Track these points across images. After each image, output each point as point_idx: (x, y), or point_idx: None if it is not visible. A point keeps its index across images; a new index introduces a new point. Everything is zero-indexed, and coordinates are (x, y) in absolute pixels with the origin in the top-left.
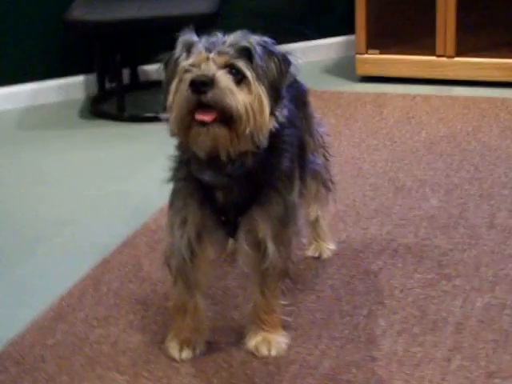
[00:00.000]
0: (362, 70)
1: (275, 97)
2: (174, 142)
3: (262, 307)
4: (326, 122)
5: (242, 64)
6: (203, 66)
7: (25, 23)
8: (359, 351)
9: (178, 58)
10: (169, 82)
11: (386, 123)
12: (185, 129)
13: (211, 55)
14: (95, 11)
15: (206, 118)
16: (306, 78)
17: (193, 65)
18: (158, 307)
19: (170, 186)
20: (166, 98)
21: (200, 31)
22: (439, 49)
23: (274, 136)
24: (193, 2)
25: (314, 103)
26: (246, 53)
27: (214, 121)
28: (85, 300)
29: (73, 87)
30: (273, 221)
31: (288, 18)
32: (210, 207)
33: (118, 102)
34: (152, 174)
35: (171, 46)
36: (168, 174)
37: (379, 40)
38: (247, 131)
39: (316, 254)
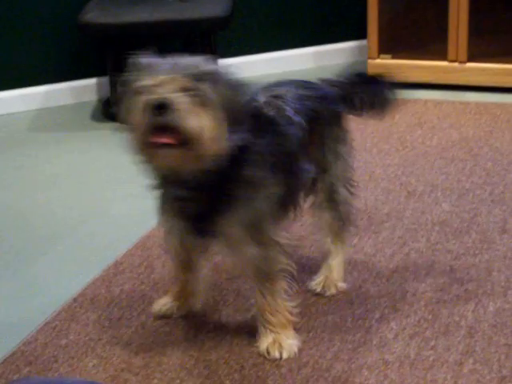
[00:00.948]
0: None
1: (232, 120)
2: None
3: (264, 307)
4: None
5: (199, 88)
6: (162, 89)
7: (38, 26)
8: (371, 354)
9: (138, 78)
10: (128, 99)
11: (398, 128)
12: (144, 149)
13: (171, 77)
14: (108, 14)
15: (165, 140)
16: None
17: (153, 86)
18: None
19: None
20: (124, 115)
21: (213, 34)
22: (451, 54)
23: (239, 149)
24: (206, 6)
25: None
26: (205, 77)
27: (171, 143)
28: (97, 301)
29: (85, 90)
30: (242, 226)
31: (300, 23)
32: (185, 217)
33: None
34: None
35: (184, 50)
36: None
37: (391, 45)
38: (204, 152)
39: (318, 290)
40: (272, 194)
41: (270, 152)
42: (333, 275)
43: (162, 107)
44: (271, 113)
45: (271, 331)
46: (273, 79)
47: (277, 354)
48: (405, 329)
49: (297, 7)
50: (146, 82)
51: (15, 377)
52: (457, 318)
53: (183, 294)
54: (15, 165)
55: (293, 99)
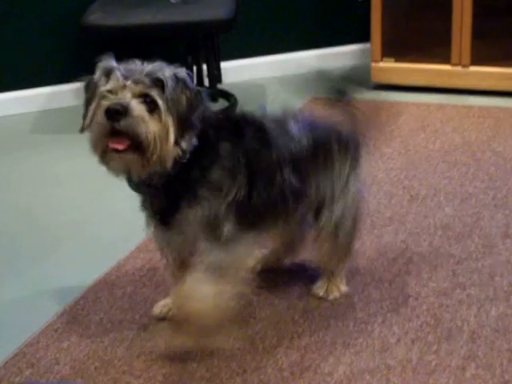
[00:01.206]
0: (377, 78)
1: (183, 127)
2: None
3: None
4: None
5: (155, 94)
6: (119, 94)
7: (41, 27)
8: (374, 358)
9: (97, 83)
10: (88, 104)
11: (401, 132)
12: (100, 152)
13: (127, 83)
14: (112, 16)
15: (119, 146)
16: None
17: (110, 91)
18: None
19: None
20: (84, 119)
21: (216, 36)
22: (454, 58)
23: (206, 150)
24: (209, 8)
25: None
26: (160, 83)
27: (126, 148)
28: (100, 303)
29: None
30: (197, 223)
31: (303, 26)
32: (151, 213)
33: None
34: None
35: (187, 52)
36: None
37: (394, 48)
38: (155, 157)
39: (321, 294)
40: (230, 196)
41: (237, 154)
42: (335, 279)
43: (115, 113)
44: (271, 125)
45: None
46: (275, 82)
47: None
48: (407, 333)
49: (300, 10)
50: (103, 87)
51: (17, 379)
52: (459, 323)
53: None
54: (17, 166)
55: (305, 121)
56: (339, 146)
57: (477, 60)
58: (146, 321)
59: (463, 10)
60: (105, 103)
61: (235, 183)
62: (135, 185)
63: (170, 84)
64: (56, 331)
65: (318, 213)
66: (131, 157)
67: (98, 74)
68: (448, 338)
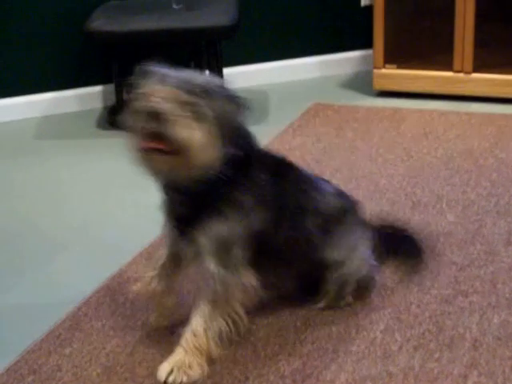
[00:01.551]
0: (380, 85)
1: (224, 134)
2: None
3: (192, 327)
4: (342, 136)
5: (194, 100)
6: (158, 99)
7: (44, 33)
8: (376, 366)
9: (137, 87)
10: (130, 104)
11: (403, 138)
12: (139, 154)
13: (166, 88)
14: (114, 22)
15: (153, 146)
16: (323, 92)
17: (149, 94)
18: (174, 318)
19: None
20: (126, 119)
21: (219, 43)
22: (457, 64)
23: (245, 175)
24: (212, 15)
25: (330, 117)
26: (199, 90)
27: (162, 150)
28: (102, 310)
29: (91, 97)
30: (212, 238)
31: (305, 32)
32: (173, 218)
33: None
34: None
35: (190, 58)
36: None
37: (397, 55)
38: (197, 162)
39: (327, 302)
40: (250, 222)
41: (272, 190)
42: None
43: (154, 115)
44: (310, 178)
45: (184, 351)
46: (278, 88)
47: (175, 378)
48: (409, 340)
49: (303, 16)
50: (144, 90)
51: None
52: (461, 330)
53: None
54: (20, 171)
55: (331, 185)
56: (354, 213)
57: (479, 67)
58: (148, 328)
59: (466, 17)
60: (144, 105)
61: (260, 213)
62: (165, 187)
63: (211, 90)
64: (58, 338)
65: (323, 273)
66: (167, 158)
67: (139, 78)
68: (450, 346)
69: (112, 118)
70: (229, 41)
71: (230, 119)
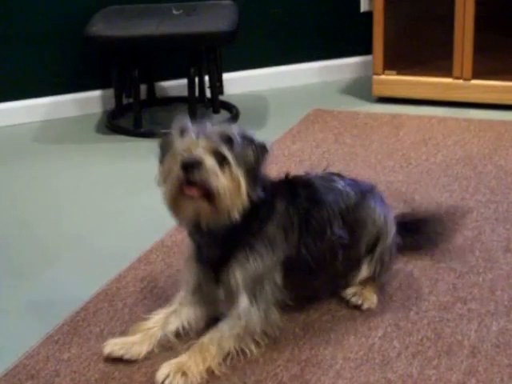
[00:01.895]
0: (379, 91)
1: (251, 179)
2: None
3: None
4: (341, 142)
5: (224, 150)
6: (193, 150)
7: (43, 38)
8: (374, 373)
9: (172, 140)
10: (163, 160)
11: (402, 144)
12: (174, 201)
13: (200, 141)
14: (114, 27)
15: (193, 193)
16: (322, 98)
17: (184, 148)
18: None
19: None
20: (160, 173)
21: (219, 48)
22: (456, 71)
23: (264, 205)
24: (212, 20)
25: (330, 123)
26: (229, 140)
27: (199, 196)
28: (100, 315)
29: (90, 102)
30: (247, 275)
31: (305, 38)
32: (203, 263)
33: (134, 117)
34: None
35: (189, 63)
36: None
37: (396, 61)
38: (225, 207)
39: (355, 301)
40: (281, 253)
41: (292, 212)
42: (371, 286)
43: (190, 166)
44: (320, 183)
45: (188, 356)
46: (277, 94)
47: (171, 382)
48: (407, 347)
49: (302, 22)
50: (178, 144)
51: None
52: (460, 338)
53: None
54: (19, 176)
55: (349, 179)
56: (373, 192)
57: (478, 73)
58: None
59: (465, 24)
60: (180, 158)
61: (288, 240)
62: (195, 233)
63: (237, 140)
64: (56, 343)
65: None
66: (203, 204)
67: (173, 133)
68: (448, 353)
69: (111, 122)
70: (228, 46)
71: (255, 164)
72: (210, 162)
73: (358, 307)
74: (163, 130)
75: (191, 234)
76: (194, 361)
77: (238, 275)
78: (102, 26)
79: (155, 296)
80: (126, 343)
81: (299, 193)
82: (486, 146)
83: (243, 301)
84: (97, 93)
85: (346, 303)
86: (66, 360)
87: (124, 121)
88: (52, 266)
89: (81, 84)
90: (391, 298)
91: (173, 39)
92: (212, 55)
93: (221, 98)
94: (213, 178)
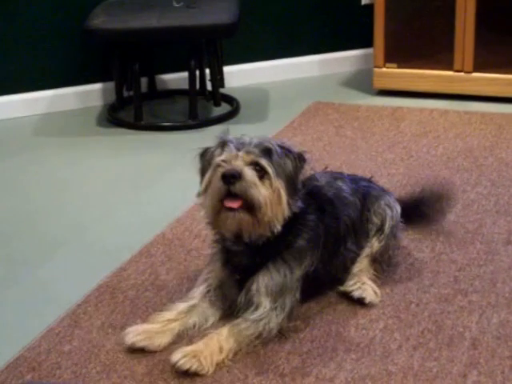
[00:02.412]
0: (380, 84)
1: (291, 189)
2: (191, 152)
3: (215, 336)
4: (342, 135)
5: (264, 162)
6: (233, 162)
7: (44, 31)
8: (375, 365)
9: (213, 153)
10: (204, 172)
11: (403, 137)
12: (215, 213)
13: (240, 153)
14: (115, 20)
15: (234, 205)
16: (323, 91)
17: (225, 160)
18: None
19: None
20: (201, 186)
21: (220, 41)
22: (457, 64)
23: (297, 218)
24: (213, 13)
25: (330, 116)
26: (268, 152)
27: (240, 208)
28: (101, 307)
29: (91, 95)
30: (272, 283)
31: (306, 31)
32: (230, 267)
33: (135, 110)
34: (169, 182)
35: (190, 56)
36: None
37: (397, 54)
38: (266, 218)
39: (357, 295)
40: (308, 266)
41: (320, 229)
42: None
43: (234, 177)
44: (330, 193)
45: (205, 344)
46: (278, 86)
47: (189, 364)
48: (408, 339)
49: (303, 15)
50: (219, 157)
51: (18, 383)
52: (461, 329)
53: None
54: (20, 169)
55: (350, 180)
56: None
57: (479, 66)
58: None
59: (466, 17)
60: (221, 170)
61: (312, 257)
62: (233, 243)
63: (276, 151)
64: (57, 335)
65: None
66: (244, 216)
67: (214, 146)
68: (449, 345)
69: (112, 115)
70: (229, 39)
71: (294, 174)
72: (249, 173)
73: (360, 301)
74: (164, 123)
75: (222, 241)
76: (210, 351)
77: (262, 282)
78: (103, 19)
79: (156, 288)
80: (148, 332)
81: (325, 209)
82: (486, 138)
83: (265, 305)
84: (97, 86)
85: (348, 296)
86: (67, 352)
87: (125, 114)
88: (53, 259)
89: (81, 77)
90: (392, 291)
91: (173, 32)
92: (213, 48)
93: (222, 90)
94: (253, 189)
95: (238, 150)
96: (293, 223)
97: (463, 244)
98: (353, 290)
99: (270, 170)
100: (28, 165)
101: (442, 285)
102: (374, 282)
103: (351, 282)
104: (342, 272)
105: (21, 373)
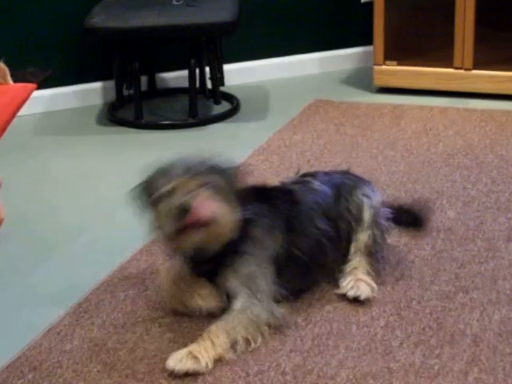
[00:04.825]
0: (380, 81)
1: (237, 198)
2: (190, 149)
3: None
4: (342, 133)
5: (209, 181)
6: (184, 189)
7: (43, 29)
8: (376, 362)
9: (155, 184)
10: (151, 206)
11: (404, 135)
12: (172, 241)
13: (184, 180)
14: (114, 18)
15: (190, 231)
16: (323, 88)
17: (173, 188)
18: (174, 314)
19: None
20: (152, 222)
21: (219, 39)
22: (457, 61)
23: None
24: (213, 11)
25: (331, 114)
26: (211, 171)
27: (195, 229)
28: (102, 306)
29: (91, 93)
30: (240, 275)
31: (306, 28)
32: (198, 274)
33: (135, 108)
34: None
35: (190, 54)
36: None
37: (397, 51)
38: (221, 231)
39: (352, 294)
40: (270, 251)
41: (276, 216)
42: (365, 276)
43: (185, 211)
44: (293, 187)
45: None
46: (278, 84)
47: (186, 365)
48: (410, 337)
49: (303, 13)
50: (168, 185)
51: (19, 382)
52: (462, 327)
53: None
54: (18, 168)
55: (322, 174)
56: (351, 182)
57: (479, 63)
58: (148, 324)
59: (466, 14)
60: (172, 203)
61: (274, 240)
62: (194, 257)
63: (219, 169)
64: (58, 334)
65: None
66: (202, 235)
67: (156, 175)
68: (451, 342)
69: (112, 114)
70: (229, 37)
71: (235, 186)
72: (200, 196)
73: (356, 299)
74: (164, 122)
75: (189, 257)
76: (203, 347)
77: (232, 279)
78: (103, 18)
79: (157, 287)
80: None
81: (278, 197)
82: (487, 135)
83: (242, 296)
84: (97, 84)
85: (344, 297)
86: (68, 351)
87: (125, 112)
88: (54, 257)
89: (81, 76)
90: (393, 288)
91: (173, 30)
92: (213, 46)
93: (222, 89)
94: (206, 210)
95: (180, 176)
96: (244, 215)
97: (464, 241)
98: (347, 291)
99: (216, 186)
100: (27, 163)
101: (442, 282)
102: (370, 275)
103: (345, 283)
104: (324, 252)
105: (22, 372)
